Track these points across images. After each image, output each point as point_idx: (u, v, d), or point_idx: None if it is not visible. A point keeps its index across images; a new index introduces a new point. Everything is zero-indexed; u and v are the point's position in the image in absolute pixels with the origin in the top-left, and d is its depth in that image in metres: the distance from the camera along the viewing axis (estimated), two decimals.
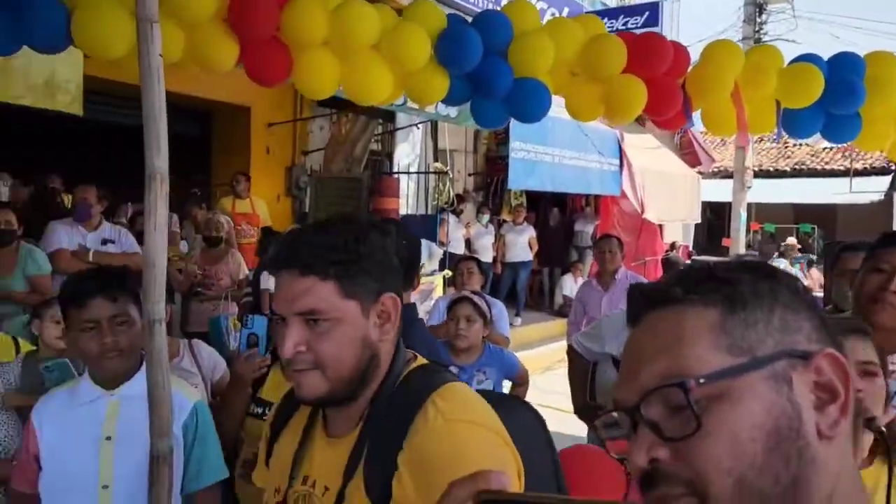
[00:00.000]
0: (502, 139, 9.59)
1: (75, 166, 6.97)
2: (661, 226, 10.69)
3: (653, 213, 9.53)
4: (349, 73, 3.34)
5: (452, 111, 5.66)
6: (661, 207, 9.63)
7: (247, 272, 5.19)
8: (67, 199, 6.15)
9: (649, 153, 9.80)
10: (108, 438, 1.80)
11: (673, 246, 11.04)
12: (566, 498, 0.82)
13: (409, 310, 2.21)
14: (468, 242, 9.00)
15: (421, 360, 1.18)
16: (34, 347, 2.55)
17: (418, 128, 8.12)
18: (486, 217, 9.38)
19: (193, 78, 6.59)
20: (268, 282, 4.68)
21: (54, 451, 1.81)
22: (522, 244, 9.35)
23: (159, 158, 1.71)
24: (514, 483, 0.87)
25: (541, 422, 1.40)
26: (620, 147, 8.97)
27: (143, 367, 1.84)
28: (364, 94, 3.46)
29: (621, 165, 8.97)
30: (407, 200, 7.94)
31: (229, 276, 5.10)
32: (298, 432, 1.21)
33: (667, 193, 9.81)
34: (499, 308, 4.22)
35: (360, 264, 1.08)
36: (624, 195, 9.24)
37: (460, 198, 9.34)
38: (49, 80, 3.94)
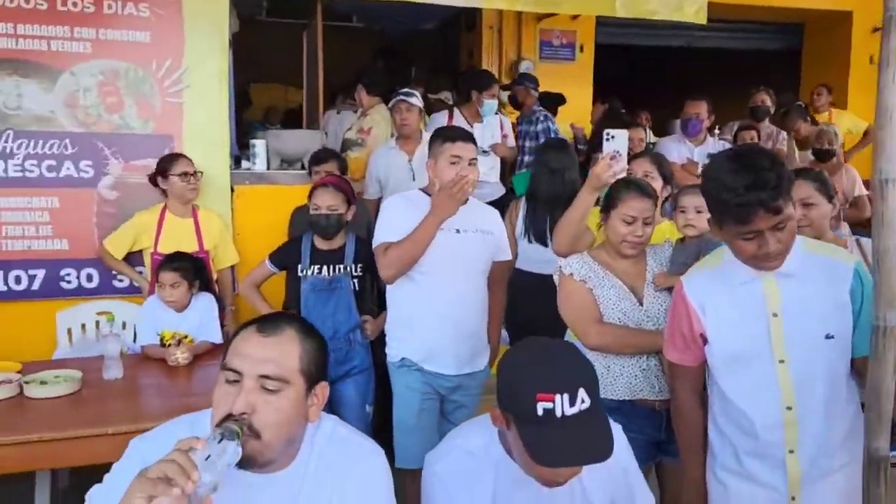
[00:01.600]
0: None
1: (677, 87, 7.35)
2: None
3: None
4: None
5: None
6: None
7: (863, 189, 4.66)
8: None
9: None
10: (775, 315, 1.77)
11: None
12: None
13: None
14: None
15: None
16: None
17: None
18: None
19: None
20: None
21: (722, 326, 1.84)
22: None
23: None
24: None
25: None
26: None
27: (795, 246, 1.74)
28: None
29: None
30: None
31: (842, 193, 4.66)
32: None
33: None
34: None
35: None
36: None
37: None
38: None
